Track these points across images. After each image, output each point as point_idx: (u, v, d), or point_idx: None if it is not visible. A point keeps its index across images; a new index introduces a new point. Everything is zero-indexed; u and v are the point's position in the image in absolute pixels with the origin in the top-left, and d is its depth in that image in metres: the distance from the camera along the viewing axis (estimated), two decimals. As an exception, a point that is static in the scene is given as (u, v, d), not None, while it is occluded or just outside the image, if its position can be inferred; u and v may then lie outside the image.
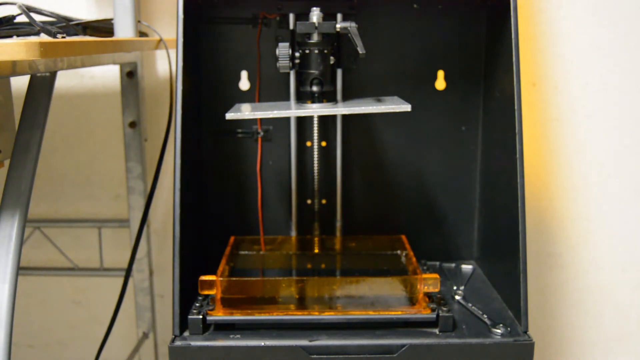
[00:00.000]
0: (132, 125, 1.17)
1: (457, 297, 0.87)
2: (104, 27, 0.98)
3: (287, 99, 0.94)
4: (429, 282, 0.77)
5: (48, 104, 0.74)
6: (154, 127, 1.22)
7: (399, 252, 0.94)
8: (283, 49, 0.79)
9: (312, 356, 0.74)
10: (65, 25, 0.88)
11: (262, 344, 0.74)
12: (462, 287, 0.90)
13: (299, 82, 0.82)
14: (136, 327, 1.28)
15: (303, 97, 0.87)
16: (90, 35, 0.95)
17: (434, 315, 0.76)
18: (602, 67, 1.13)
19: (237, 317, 0.76)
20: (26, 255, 1.28)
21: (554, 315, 1.26)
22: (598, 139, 1.17)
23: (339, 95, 0.94)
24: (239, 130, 0.97)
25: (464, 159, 0.98)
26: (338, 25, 0.77)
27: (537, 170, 1.18)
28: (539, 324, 1.25)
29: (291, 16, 0.89)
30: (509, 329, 0.76)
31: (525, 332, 0.76)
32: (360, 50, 0.75)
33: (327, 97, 0.82)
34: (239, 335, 0.75)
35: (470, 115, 0.96)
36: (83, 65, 0.82)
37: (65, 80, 1.22)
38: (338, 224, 0.99)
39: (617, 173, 1.18)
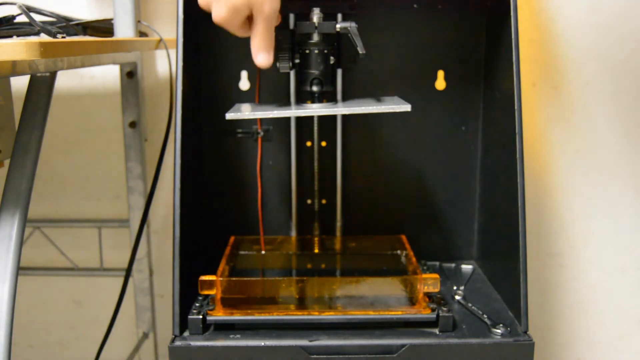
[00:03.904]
0: (132, 125, 1.17)
1: (457, 297, 0.87)
2: (104, 27, 0.98)
3: (287, 99, 0.94)
4: (429, 282, 0.77)
5: (48, 104, 0.74)
6: (154, 127, 1.22)
7: (399, 252, 0.94)
8: (283, 50, 0.79)
9: (312, 356, 0.74)
10: (65, 25, 0.88)
11: (262, 344, 0.74)
12: (462, 287, 0.90)
13: (299, 82, 0.82)
14: (136, 327, 1.28)
15: (303, 97, 0.87)
16: (90, 35, 0.95)
17: (434, 315, 0.76)
18: (602, 67, 1.13)
19: (237, 317, 0.76)
20: (26, 255, 1.28)
21: (554, 315, 1.26)
22: (598, 139, 1.17)
23: (339, 95, 0.94)
24: (239, 130, 0.97)
25: (464, 159, 0.98)
26: (338, 25, 0.77)
27: (537, 170, 1.18)
28: (539, 324, 1.25)
29: (291, 16, 0.89)
30: (509, 329, 0.76)
31: (525, 332, 0.76)
32: (360, 50, 0.75)
33: (327, 97, 0.82)
34: (239, 335, 0.75)
35: (470, 115, 0.96)
36: (83, 65, 0.82)
37: (65, 80, 1.22)
38: (338, 224, 0.99)
39: (617, 173, 1.18)
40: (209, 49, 0.94)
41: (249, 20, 0.71)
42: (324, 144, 0.97)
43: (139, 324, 1.28)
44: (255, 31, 0.69)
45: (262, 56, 0.70)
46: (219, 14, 0.68)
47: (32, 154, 0.72)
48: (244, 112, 0.79)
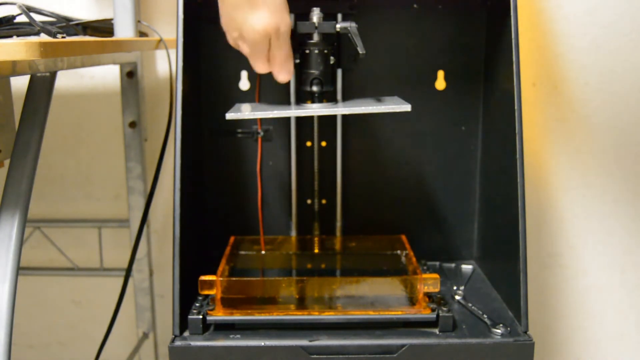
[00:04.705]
0: (132, 125, 1.17)
1: (457, 297, 0.87)
2: (104, 27, 0.98)
3: (287, 99, 0.94)
4: (429, 282, 0.77)
5: (48, 104, 0.74)
6: (154, 127, 1.22)
7: (399, 252, 0.94)
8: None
9: (312, 356, 0.74)
10: (65, 25, 0.88)
11: (262, 344, 0.74)
12: (462, 287, 0.90)
13: (299, 82, 0.82)
14: (136, 327, 1.28)
15: (303, 97, 0.87)
16: (90, 35, 0.95)
17: (434, 315, 0.76)
18: (602, 67, 1.13)
19: (237, 317, 0.76)
20: (26, 255, 1.28)
21: (554, 315, 1.26)
22: (598, 139, 1.17)
23: (339, 95, 0.94)
24: (239, 130, 0.97)
25: (464, 159, 0.98)
26: (338, 25, 0.77)
27: (537, 170, 1.18)
28: (539, 324, 1.25)
29: (291, 16, 0.89)
30: (509, 329, 0.76)
31: (525, 332, 0.76)
32: (360, 50, 0.75)
33: (327, 97, 0.82)
34: (239, 335, 0.75)
35: (470, 115, 0.96)
36: (83, 65, 0.82)
37: (65, 80, 1.22)
38: (338, 224, 0.99)
39: (617, 173, 1.18)
40: (209, 49, 0.94)
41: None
42: (324, 144, 0.97)
43: (139, 324, 1.28)
44: (278, 53, 0.72)
45: (285, 72, 0.74)
46: (245, 51, 0.73)
47: (32, 154, 0.72)
48: (244, 112, 0.79)
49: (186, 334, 0.76)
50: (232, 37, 0.73)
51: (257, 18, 0.68)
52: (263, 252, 0.96)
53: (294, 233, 0.99)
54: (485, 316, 0.80)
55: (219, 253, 0.89)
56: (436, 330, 0.76)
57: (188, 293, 0.79)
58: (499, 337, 0.75)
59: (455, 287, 0.90)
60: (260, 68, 0.74)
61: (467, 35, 0.94)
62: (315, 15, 0.78)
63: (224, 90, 0.96)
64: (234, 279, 0.79)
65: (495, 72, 0.89)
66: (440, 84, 0.96)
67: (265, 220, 0.99)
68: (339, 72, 0.93)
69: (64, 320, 1.35)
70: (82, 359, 1.36)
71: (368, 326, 0.77)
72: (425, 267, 0.92)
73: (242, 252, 0.95)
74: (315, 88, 0.80)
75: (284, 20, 0.70)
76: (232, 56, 0.95)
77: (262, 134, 0.97)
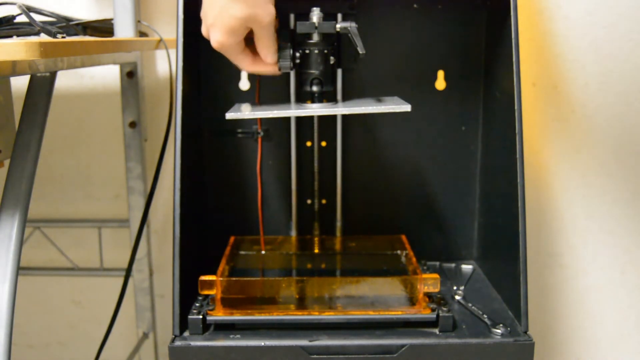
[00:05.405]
0: (132, 125, 1.17)
1: (457, 297, 0.87)
2: (104, 27, 0.98)
3: (287, 99, 0.94)
4: (429, 282, 0.77)
5: (48, 104, 0.74)
6: (154, 127, 1.22)
7: (399, 252, 0.94)
8: (284, 49, 0.79)
9: (312, 356, 0.74)
10: (65, 25, 0.88)
11: (262, 344, 0.74)
12: (462, 287, 0.90)
13: (299, 82, 0.82)
14: (136, 327, 1.28)
15: (303, 97, 0.87)
16: (90, 35, 0.95)
17: (434, 315, 0.76)
18: (602, 67, 1.13)
19: (237, 317, 0.76)
20: (26, 255, 1.28)
21: (554, 315, 1.26)
22: (598, 139, 1.17)
23: (339, 95, 0.94)
24: (239, 130, 0.97)
25: (464, 159, 0.98)
26: (338, 25, 0.77)
27: (537, 170, 1.18)
28: (539, 324, 1.26)
29: (291, 16, 0.89)
30: (509, 329, 0.76)
31: (525, 332, 0.76)
32: (360, 50, 0.75)
33: (327, 97, 0.82)
34: (239, 335, 0.75)
35: (470, 115, 0.96)
36: (83, 65, 0.82)
37: (65, 80, 1.22)
38: (338, 224, 0.99)
39: (617, 173, 1.18)
40: (209, 49, 0.94)
41: (249, 48, 0.74)
42: (324, 144, 0.97)
43: (139, 324, 1.28)
44: (261, 44, 0.73)
45: (269, 61, 0.74)
46: (216, 39, 0.71)
47: (32, 154, 0.72)
48: (244, 112, 0.79)
49: (186, 334, 0.76)
50: (206, 25, 0.72)
51: (238, 5, 0.68)
52: (263, 252, 0.96)
53: (294, 233, 0.99)
54: (485, 316, 0.80)
55: (219, 253, 0.89)
56: (436, 330, 0.76)
57: (188, 293, 0.79)
58: (499, 337, 0.75)
59: (455, 287, 0.90)
60: (243, 64, 0.75)
61: (467, 35, 0.94)
62: (315, 15, 0.78)
63: (224, 90, 0.96)
64: (234, 279, 0.79)
65: (495, 72, 0.89)
66: (440, 84, 0.96)
67: (265, 220, 0.99)
68: (339, 72, 0.93)
69: (64, 320, 1.35)
70: (82, 359, 1.36)
71: (368, 326, 0.77)
72: (425, 267, 0.92)
73: (242, 252, 0.95)
74: (315, 88, 0.80)
75: (267, 11, 0.69)
76: (232, 56, 0.95)
77: (262, 134, 0.97)
